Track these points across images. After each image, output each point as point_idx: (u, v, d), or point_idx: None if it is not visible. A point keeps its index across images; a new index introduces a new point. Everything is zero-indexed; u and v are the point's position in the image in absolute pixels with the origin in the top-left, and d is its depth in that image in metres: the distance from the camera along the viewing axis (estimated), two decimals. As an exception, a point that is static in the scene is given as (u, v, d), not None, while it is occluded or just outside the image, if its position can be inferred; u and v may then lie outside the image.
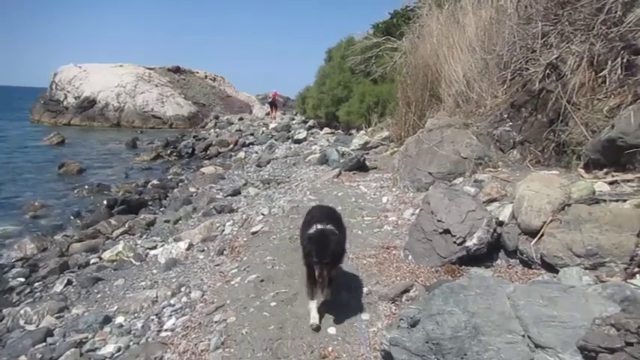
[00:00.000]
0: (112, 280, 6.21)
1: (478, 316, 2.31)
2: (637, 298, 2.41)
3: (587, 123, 5.04)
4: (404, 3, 15.54)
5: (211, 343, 3.52)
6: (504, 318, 2.27)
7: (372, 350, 3.09)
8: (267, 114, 35.26)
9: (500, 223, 4.28)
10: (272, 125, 25.23)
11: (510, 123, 6.30)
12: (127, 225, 9.08)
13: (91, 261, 7.31)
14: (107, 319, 4.74)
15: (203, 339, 3.65)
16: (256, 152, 17.37)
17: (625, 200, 3.67)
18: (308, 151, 13.73)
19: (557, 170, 5.16)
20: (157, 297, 5.03)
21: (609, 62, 4.98)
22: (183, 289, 5.10)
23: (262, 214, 7.04)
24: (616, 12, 4.94)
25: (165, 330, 4.17)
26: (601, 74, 5.08)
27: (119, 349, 4.10)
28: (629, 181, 4.19)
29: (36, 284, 6.61)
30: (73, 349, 4.18)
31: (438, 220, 4.30)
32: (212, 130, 29.43)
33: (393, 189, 7.15)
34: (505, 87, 6.82)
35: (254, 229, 6.25)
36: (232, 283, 4.62)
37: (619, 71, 4.87)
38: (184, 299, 4.77)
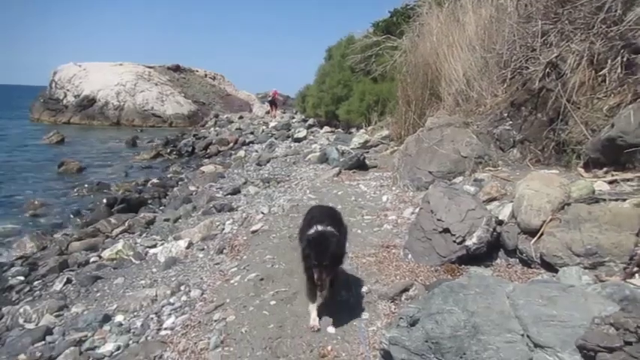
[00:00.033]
0: (112, 278, 6.21)
1: (477, 316, 2.31)
2: (636, 297, 2.41)
3: (587, 122, 5.04)
4: (404, 1, 15.58)
5: (211, 341, 3.52)
6: (504, 317, 2.27)
7: (371, 349, 3.09)
8: (267, 112, 35.27)
9: (500, 223, 4.28)
10: (272, 124, 25.23)
11: (510, 122, 6.30)
12: (126, 224, 9.09)
13: (91, 259, 7.31)
14: (106, 318, 4.74)
15: (203, 338, 3.66)
16: (256, 151, 17.37)
17: (625, 199, 3.67)
18: (308, 150, 13.73)
19: (557, 169, 5.16)
20: (156, 296, 5.03)
21: (609, 61, 4.97)
22: (182, 287, 5.10)
23: (262, 213, 7.04)
24: (616, 11, 4.93)
25: (165, 329, 4.17)
26: (601, 73, 5.07)
27: (118, 348, 4.09)
28: (628, 180, 4.19)
29: (35, 283, 6.61)
30: (72, 348, 4.18)
31: (438, 219, 4.30)
32: (212, 129, 29.43)
33: (393, 188, 7.15)
34: (505, 86, 6.82)
35: (254, 228, 6.25)
36: (232, 281, 4.63)
37: (619, 70, 4.86)
38: (184, 298, 4.77)
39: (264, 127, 24.99)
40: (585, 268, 3.29)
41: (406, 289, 3.77)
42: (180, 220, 8.86)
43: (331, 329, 3.38)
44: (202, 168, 15.25)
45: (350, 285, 3.97)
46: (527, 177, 4.35)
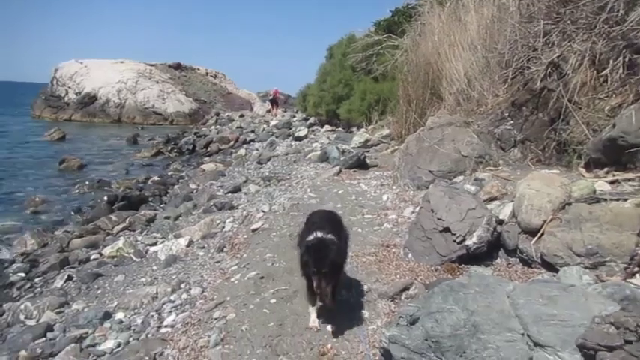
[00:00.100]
0: (112, 275, 6.22)
1: (477, 314, 2.31)
2: (637, 297, 2.41)
3: (588, 122, 5.04)
4: (405, 1, 15.57)
5: (211, 339, 3.53)
6: (504, 316, 2.27)
7: (371, 348, 3.10)
8: (268, 111, 35.24)
9: (501, 222, 4.28)
10: (273, 123, 25.20)
11: (511, 122, 6.30)
12: (127, 221, 9.09)
13: (92, 257, 7.32)
14: (107, 315, 4.74)
15: (203, 335, 3.66)
16: (257, 149, 17.36)
17: (625, 199, 3.67)
18: (308, 149, 13.73)
19: (558, 169, 5.16)
20: (156, 293, 5.03)
21: (611, 61, 4.97)
22: (183, 285, 5.11)
23: (262, 212, 7.04)
24: (618, 11, 4.93)
25: (165, 326, 4.18)
26: (602, 73, 5.07)
27: (119, 345, 4.10)
28: (629, 180, 4.19)
29: (36, 279, 6.62)
30: (73, 344, 4.19)
31: (438, 219, 4.30)
32: (213, 127, 29.41)
33: (394, 187, 7.15)
34: (506, 85, 6.82)
35: (254, 227, 6.25)
36: (232, 279, 4.63)
37: (620, 70, 4.86)
38: (184, 295, 4.78)
39: (264, 125, 24.96)
40: (586, 267, 3.29)
41: (406, 288, 3.78)
42: (180, 218, 8.87)
43: (331, 328, 3.38)
44: (203, 166, 15.26)
45: (350, 284, 3.98)
46: (527, 177, 4.35)
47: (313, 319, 3.43)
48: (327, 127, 19.16)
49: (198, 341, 3.58)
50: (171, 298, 4.81)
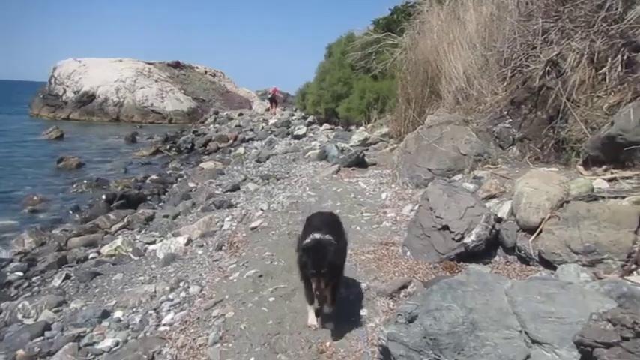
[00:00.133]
0: (111, 274, 6.22)
1: (476, 312, 2.31)
2: (634, 294, 2.41)
3: (586, 120, 5.04)
4: (404, -1, 15.55)
5: (209, 337, 3.53)
6: (502, 314, 2.27)
7: (369, 345, 3.09)
8: (267, 110, 35.23)
9: (499, 220, 4.28)
10: (272, 121, 25.20)
11: (510, 120, 6.30)
12: (125, 220, 9.09)
13: (90, 255, 7.31)
14: (105, 314, 4.74)
15: (201, 333, 3.66)
16: (256, 148, 17.36)
17: (623, 197, 3.67)
18: (307, 147, 13.73)
19: (557, 167, 5.17)
20: (155, 292, 5.03)
21: (609, 59, 4.98)
22: (181, 284, 5.11)
23: (261, 210, 7.04)
24: (616, 9, 4.93)
25: (164, 324, 4.17)
26: (601, 71, 5.08)
27: (117, 344, 4.10)
28: (627, 178, 4.20)
29: (34, 278, 6.62)
30: (71, 343, 4.19)
31: (437, 217, 4.30)
32: (211, 126, 29.41)
33: (392, 185, 7.16)
34: (505, 84, 6.82)
35: (253, 225, 6.25)
36: (231, 278, 4.63)
37: (619, 68, 4.86)
38: (183, 294, 4.77)
39: (263, 124, 24.97)
40: (583, 265, 3.30)
41: (405, 286, 3.77)
42: (179, 217, 8.87)
43: (330, 325, 3.38)
44: (202, 165, 15.25)
45: (349, 282, 3.98)
46: (526, 175, 4.35)
47: (312, 318, 3.43)
48: (326, 126, 19.17)
49: (196, 339, 3.58)
50: (170, 296, 4.81)
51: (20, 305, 5.34)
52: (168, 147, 21.55)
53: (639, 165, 4.31)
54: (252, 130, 23.46)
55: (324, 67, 22.36)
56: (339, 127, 18.55)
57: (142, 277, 5.88)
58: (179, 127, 31.84)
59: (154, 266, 6.26)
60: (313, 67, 24.55)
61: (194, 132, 26.09)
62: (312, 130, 18.86)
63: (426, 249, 4.31)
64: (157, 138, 24.85)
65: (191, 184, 12.38)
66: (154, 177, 14.11)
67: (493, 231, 4.15)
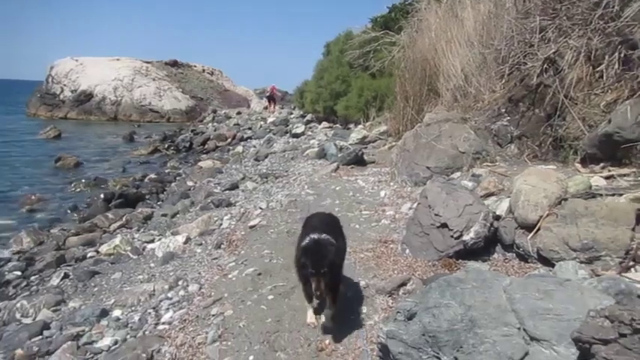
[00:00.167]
0: (109, 273, 6.22)
1: (474, 309, 2.32)
2: (632, 291, 2.42)
3: (584, 118, 5.05)
4: (402, -3, 15.54)
5: (208, 336, 3.53)
6: (500, 311, 2.28)
7: (368, 343, 3.10)
8: (265, 108, 35.18)
9: (498, 218, 4.30)
10: (270, 119, 25.16)
11: (508, 117, 6.31)
12: (124, 219, 9.08)
13: (88, 254, 7.31)
14: (104, 313, 4.74)
15: (200, 332, 3.67)
16: (254, 146, 17.34)
17: (621, 194, 3.69)
18: (306, 146, 13.72)
19: (554, 165, 5.18)
20: (154, 290, 5.03)
21: (606, 57, 4.98)
22: (180, 282, 5.11)
23: (260, 208, 7.04)
24: (613, 7, 4.94)
25: (163, 323, 4.18)
26: (598, 69, 5.08)
27: (116, 342, 4.10)
28: (625, 175, 4.21)
29: (32, 278, 6.61)
30: (69, 342, 4.19)
31: (436, 214, 4.31)
32: (210, 124, 29.35)
33: (391, 183, 7.16)
34: (503, 81, 6.82)
35: (252, 223, 6.25)
36: (230, 276, 4.63)
37: (616, 66, 4.87)
38: (182, 293, 4.78)
39: (262, 122, 24.91)
40: (581, 262, 3.31)
41: (404, 284, 3.78)
42: (178, 216, 8.86)
43: (330, 329, 3.36)
44: (200, 163, 15.23)
45: (347, 280, 3.98)
46: (524, 172, 4.37)
47: (311, 316, 3.43)
48: (325, 124, 19.13)
49: (195, 338, 3.59)
50: (169, 295, 4.81)
51: (18, 305, 5.33)
52: (166, 146, 21.52)
53: (636, 162, 4.33)
54: (250, 128, 23.41)
55: (323, 66, 22.31)
56: (337, 125, 18.52)
57: (140, 276, 5.88)
58: (177, 126, 31.79)
59: (152, 265, 6.26)
60: (311, 65, 24.54)
61: (192, 131, 26.05)
62: (310, 128, 18.83)
63: (424, 247, 4.32)
64: (155, 137, 24.83)
65: (190, 183, 12.37)
66: (153, 176, 14.10)
67: (491, 228, 4.16)
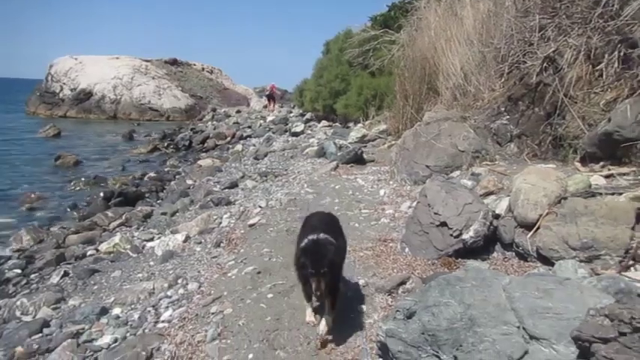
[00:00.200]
0: (109, 271, 6.21)
1: (474, 308, 2.32)
2: (631, 290, 2.43)
3: (583, 116, 5.05)
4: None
5: (208, 334, 3.53)
6: (500, 310, 2.28)
7: (368, 341, 3.10)
8: (265, 107, 35.16)
9: (497, 216, 4.30)
10: (269, 118, 25.14)
11: (507, 116, 6.31)
12: (123, 217, 9.08)
13: (88, 253, 7.31)
14: (104, 311, 4.75)
15: (200, 330, 3.67)
16: (254, 145, 17.34)
17: (621, 193, 3.69)
18: (305, 144, 13.72)
19: (554, 163, 5.18)
20: (153, 289, 5.03)
21: (606, 56, 4.98)
22: (180, 280, 5.11)
23: (259, 207, 7.04)
24: (613, 5, 4.94)
25: (162, 321, 4.18)
26: (598, 68, 5.08)
27: (116, 340, 4.10)
28: (625, 174, 4.21)
29: (32, 276, 6.61)
30: (69, 340, 4.18)
31: (435, 213, 4.31)
32: (209, 123, 29.34)
33: (391, 182, 7.16)
34: (502, 80, 6.82)
35: (251, 222, 6.25)
36: (229, 275, 4.63)
37: (616, 65, 4.87)
38: (181, 291, 4.78)
39: (261, 121, 24.89)
40: (581, 261, 3.31)
41: (403, 282, 3.78)
42: (177, 214, 8.86)
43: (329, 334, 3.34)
44: (200, 162, 15.23)
45: (347, 278, 3.98)
46: (524, 171, 4.37)
47: (310, 314, 3.43)
48: (324, 123, 19.12)
49: (195, 336, 3.59)
50: (168, 293, 4.81)
51: (18, 303, 5.33)
52: (165, 144, 21.50)
53: (636, 161, 4.33)
54: (250, 127, 23.40)
55: (322, 64, 22.30)
56: (337, 124, 18.52)
57: (140, 274, 5.88)
58: (177, 125, 31.77)
59: (152, 263, 6.26)
60: (311, 63, 24.53)
61: (192, 129, 26.03)
62: (310, 127, 18.82)
63: (424, 245, 4.32)
64: (155, 135, 24.80)
65: (189, 182, 12.36)
66: (152, 174, 14.10)
67: (491, 227, 4.16)
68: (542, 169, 4.44)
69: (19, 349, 4.27)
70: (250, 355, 3.19)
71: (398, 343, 2.52)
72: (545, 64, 5.65)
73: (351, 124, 16.13)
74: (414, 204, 5.07)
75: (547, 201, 3.86)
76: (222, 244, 5.97)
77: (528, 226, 3.88)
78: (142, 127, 32.23)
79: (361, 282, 3.95)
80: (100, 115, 39.32)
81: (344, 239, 3.57)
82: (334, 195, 6.86)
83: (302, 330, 3.37)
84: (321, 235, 3.15)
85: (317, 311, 3.45)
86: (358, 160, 9.16)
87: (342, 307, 3.51)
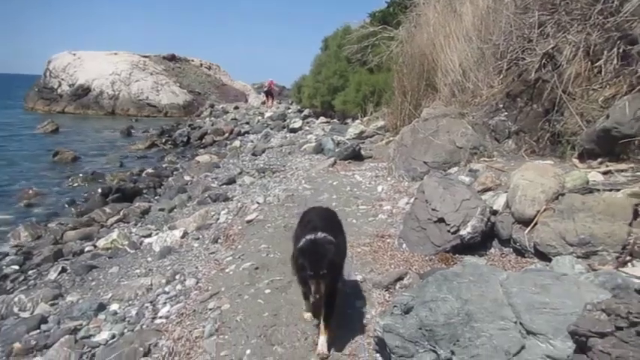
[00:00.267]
0: (107, 267, 6.21)
1: (471, 303, 2.33)
2: (628, 285, 2.43)
3: (582, 113, 5.05)
4: (400, -8, 15.47)
5: (205, 329, 3.54)
6: (497, 305, 2.28)
7: (365, 337, 3.11)
8: (263, 103, 35.11)
9: (495, 212, 4.30)
10: (267, 114, 25.11)
11: (506, 113, 6.30)
12: (121, 213, 9.07)
13: (86, 249, 7.30)
14: (101, 307, 4.74)
15: (197, 326, 3.67)
16: (252, 141, 17.31)
17: (618, 190, 3.70)
18: (303, 140, 13.71)
19: (552, 160, 5.18)
20: (151, 285, 5.03)
21: (605, 52, 4.97)
22: (177, 276, 5.11)
23: (257, 203, 7.03)
24: (613, 2, 4.93)
25: (160, 317, 4.18)
26: (597, 64, 5.08)
27: (113, 336, 4.10)
28: (622, 170, 4.22)
29: (30, 272, 6.60)
30: (67, 336, 4.18)
31: (433, 209, 4.31)
32: (207, 119, 29.27)
33: (388, 178, 7.16)
34: (501, 77, 6.81)
35: (249, 218, 6.25)
36: (227, 270, 4.64)
37: (615, 61, 4.86)
38: (179, 287, 4.78)
39: (259, 117, 24.85)
40: (578, 257, 3.32)
41: (400, 278, 3.79)
42: (175, 210, 8.85)
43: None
44: (197, 158, 15.21)
45: (344, 274, 3.98)
46: (521, 167, 4.37)
47: (307, 310, 3.43)
48: (322, 119, 19.11)
49: (192, 332, 3.59)
50: (166, 289, 4.81)
51: (16, 299, 5.33)
52: (163, 140, 21.46)
53: (634, 157, 4.33)
54: (248, 123, 23.36)
55: (320, 60, 22.26)
56: (335, 120, 18.50)
57: (138, 270, 5.87)
58: (175, 121, 31.73)
59: (149, 259, 6.26)
60: (309, 60, 24.48)
61: (190, 125, 25.97)
62: (308, 123, 18.80)
63: (421, 241, 4.32)
64: (153, 131, 24.74)
65: (187, 178, 12.34)
66: (150, 170, 14.06)
67: (489, 223, 4.17)
68: (539, 166, 4.44)
69: (17, 345, 4.27)
70: (248, 351, 3.19)
71: (395, 338, 2.52)
72: (544, 61, 5.64)
73: (349, 121, 16.12)
74: (412, 200, 5.07)
75: (545, 197, 3.86)
76: (219, 240, 5.97)
77: (526, 222, 3.89)
78: (140, 123, 32.15)
79: (359, 278, 3.95)
80: (98, 110, 39.20)
81: (344, 236, 3.46)
82: (332, 191, 6.85)
83: (299, 325, 3.37)
84: (320, 235, 3.02)
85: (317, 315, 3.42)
86: (356, 156, 9.16)
87: (340, 303, 3.52)
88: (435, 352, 2.36)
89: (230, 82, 52.19)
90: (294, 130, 17.14)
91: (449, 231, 4.14)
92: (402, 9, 13.61)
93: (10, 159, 17.07)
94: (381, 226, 5.16)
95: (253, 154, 13.75)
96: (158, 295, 4.69)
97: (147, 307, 4.51)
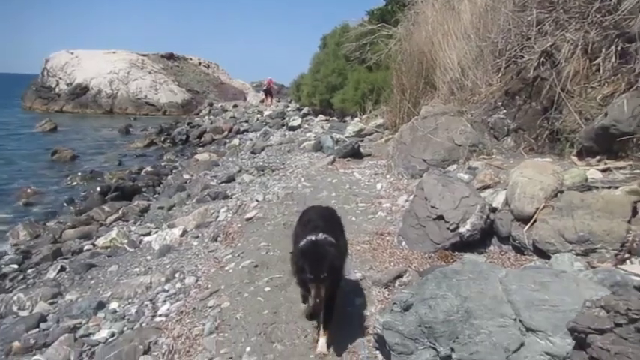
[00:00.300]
0: (106, 266, 6.21)
1: (470, 300, 2.33)
2: (627, 282, 2.44)
3: (580, 111, 5.05)
4: (399, -10, 15.46)
5: (205, 327, 3.54)
6: (496, 302, 2.29)
7: (365, 334, 3.11)
8: (262, 101, 35.10)
9: (494, 210, 4.30)
10: (266, 112, 25.09)
11: (504, 111, 6.31)
12: (120, 212, 9.08)
13: (85, 247, 7.31)
14: (101, 305, 4.75)
15: (197, 324, 3.67)
16: (250, 139, 17.30)
17: (617, 187, 3.70)
18: (302, 139, 13.70)
19: (551, 158, 5.18)
20: (150, 283, 5.03)
21: (603, 50, 4.97)
22: (177, 274, 5.11)
23: (256, 201, 7.03)
24: (611, 0, 4.93)
25: (160, 315, 4.19)
26: (595, 62, 5.08)
27: (113, 334, 4.11)
28: (621, 168, 4.22)
29: (29, 271, 6.61)
30: (66, 335, 4.19)
31: (432, 207, 4.32)
32: (206, 117, 29.26)
33: (387, 176, 7.16)
34: (500, 75, 6.81)
35: (248, 216, 6.25)
36: (226, 268, 4.64)
37: (613, 59, 4.86)
38: (178, 285, 4.78)
39: (258, 115, 24.84)
40: (577, 254, 3.32)
41: (400, 276, 3.79)
42: (174, 208, 8.86)
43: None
44: (196, 156, 15.21)
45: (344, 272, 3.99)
46: (520, 165, 4.38)
47: (306, 313, 3.43)
48: (321, 117, 19.10)
49: (192, 330, 3.60)
50: (166, 287, 4.81)
51: (15, 297, 5.33)
52: (162, 139, 21.46)
53: (632, 155, 4.33)
54: (246, 121, 23.35)
55: (319, 59, 22.26)
56: (334, 118, 18.50)
57: (137, 269, 5.88)
58: (173, 119, 31.71)
59: (149, 257, 6.26)
60: (308, 58, 24.47)
61: (188, 124, 25.97)
62: (306, 121, 18.78)
63: (421, 239, 4.33)
64: (151, 130, 24.75)
65: (186, 176, 12.35)
66: (149, 169, 14.08)
67: (488, 221, 4.17)
68: (538, 163, 4.45)
69: (16, 343, 4.28)
70: (248, 348, 3.19)
71: (395, 335, 2.53)
72: (542, 59, 5.64)
73: (348, 119, 16.11)
74: (411, 198, 5.08)
75: (543, 194, 3.87)
76: (219, 238, 5.97)
77: (525, 220, 3.89)
78: (139, 121, 32.16)
79: (358, 275, 3.96)
80: (97, 109, 39.17)
81: (345, 237, 3.41)
82: (331, 189, 6.86)
83: (299, 323, 3.38)
84: (321, 235, 2.93)
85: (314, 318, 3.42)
86: (355, 154, 9.15)
87: (339, 301, 3.53)
88: (434, 348, 2.36)
89: (229, 80, 52.15)
90: (293, 129, 17.13)
91: (448, 228, 4.15)
92: (400, 7, 13.60)
93: (9, 158, 17.06)
94: (381, 224, 5.17)
95: (252, 153, 13.75)
96: (158, 293, 4.70)
97: (146, 305, 4.52)
